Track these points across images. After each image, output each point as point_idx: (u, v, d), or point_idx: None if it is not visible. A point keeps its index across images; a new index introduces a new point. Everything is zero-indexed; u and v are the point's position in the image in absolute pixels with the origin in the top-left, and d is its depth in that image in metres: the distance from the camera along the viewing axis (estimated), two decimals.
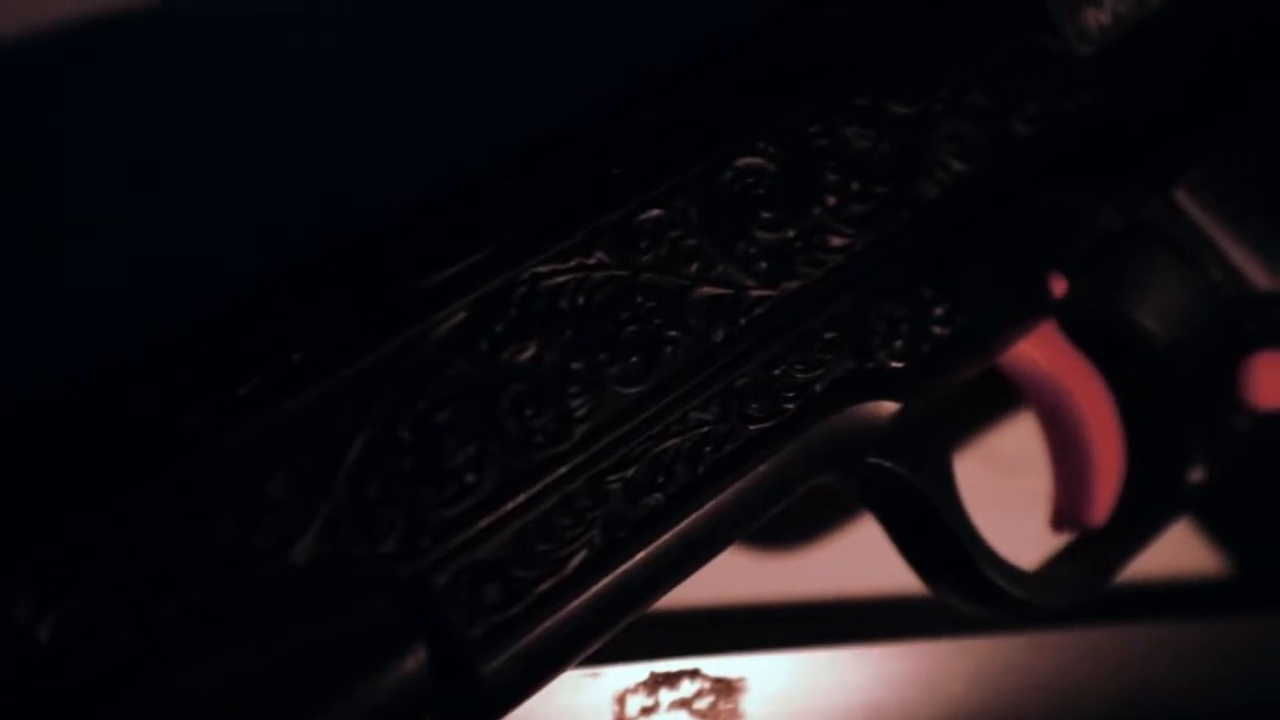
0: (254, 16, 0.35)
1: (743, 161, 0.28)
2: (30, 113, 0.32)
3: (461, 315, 0.25)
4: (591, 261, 0.27)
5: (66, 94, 0.32)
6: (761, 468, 0.28)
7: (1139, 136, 0.33)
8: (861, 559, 0.37)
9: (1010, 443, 0.40)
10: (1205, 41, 0.34)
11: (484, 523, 0.25)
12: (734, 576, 0.37)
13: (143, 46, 0.33)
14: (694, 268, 0.27)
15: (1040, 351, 0.33)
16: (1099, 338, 0.34)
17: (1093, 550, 0.33)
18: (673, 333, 0.27)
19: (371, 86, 0.35)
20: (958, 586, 0.31)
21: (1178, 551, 0.41)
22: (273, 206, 0.34)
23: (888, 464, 0.30)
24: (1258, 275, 0.34)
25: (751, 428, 0.28)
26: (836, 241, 0.29)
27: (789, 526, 0.38)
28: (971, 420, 0.40)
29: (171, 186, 0.33)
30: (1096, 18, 0.33)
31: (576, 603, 0.25)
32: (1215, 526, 0.42)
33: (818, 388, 0.28)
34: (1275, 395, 0.33)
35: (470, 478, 0.25)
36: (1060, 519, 0.34)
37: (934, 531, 0.31)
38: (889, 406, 0.29)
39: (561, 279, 0.26)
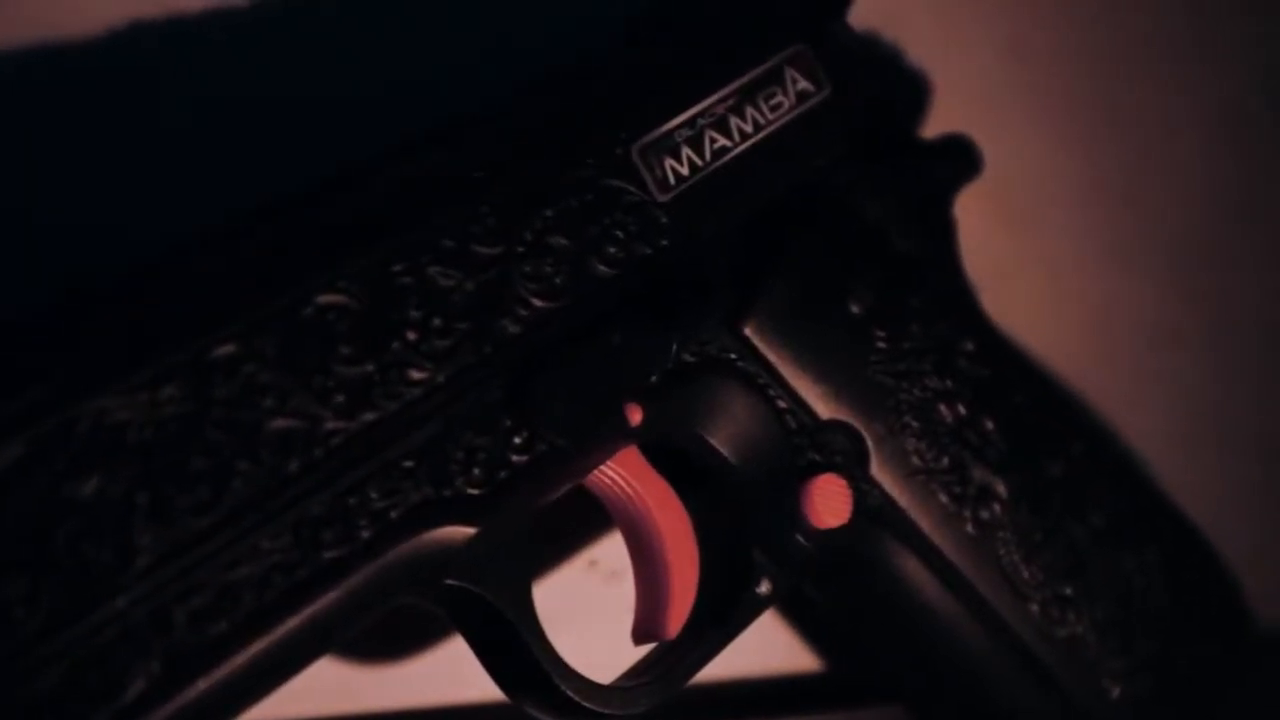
0: None
1: (324, 299, 0.30)
2: None
3: (19, 451, 0.26)
4: (161, 397, 0.27)
5: None
6: (334, 593, 0.29)
7: (710, 276, 0.36)
8: (455, 669, 0.39)
9: (614, 552, 0.42)
10: (768, 192, 0.37)
11: (36, 656, 0.25)
12: (330, 689, 0.37)
13: None
14: (268, 401, 0.28)
15: (622, 474, 0.35)
16: (677, 462, 0.36)
17: (667, 660, 0.35)
18: (244, 465, 0.28)
19: None
20: (536, 699, 0.33)
21: (768, 651, 0.45)
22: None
23: (466, 585, 0.31)
24: (819, 405, 0.37)
25: (325, 555, 0.29)
26: (416, 375, 0.31)
27: (389, 638, 0.39)
28: (577, 529, 0.42)
29: None
30: (674, 168, 0.35)
31: None
32: (802, 627, 0.45)
33: (393, 515, 0.30)
34: (831, 516, 0.36)
35: (21, 612, 0.25)
36: (639, 632, 0.36)
37: (512, 648, 0.32)
38: (466, 531, 0.31)
39: (129, 414, 0.27)
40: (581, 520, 0.42)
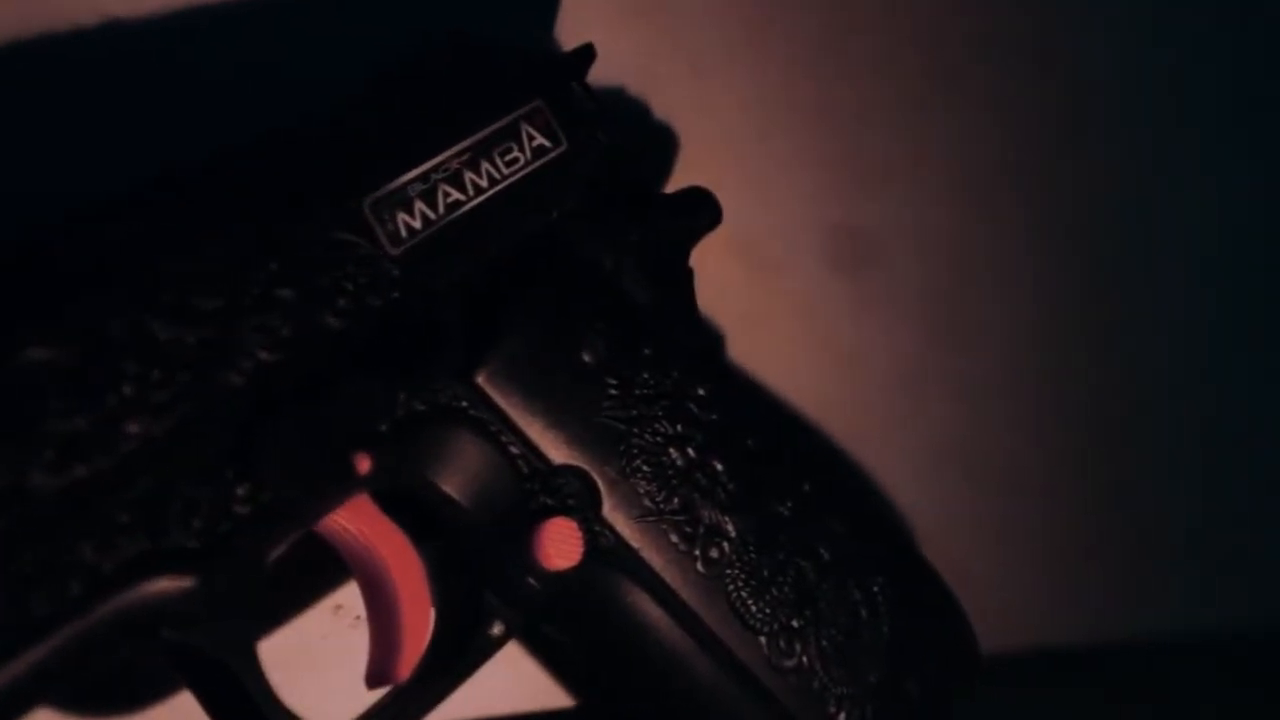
0: None
1: (34, 353, 0.30)
2: None
3: None
4: None
5: None
6: (40, 651, 0.29)
7: (443, 327, 0.37)
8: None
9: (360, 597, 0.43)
10: (502, 244, 0.38)
11: None
12: None
13: None
14: None
15: (353, 522, 0.36)
16: (410, 508, 0.37)
17: (398, 704, 0.36)
18: None
19: None
20: None
21: (517, 688, 0.46)
22: None
23: (185, 637, 0.32)
24: (551, 451, 0.38)
25: (32, 612, 0.29)
26: (133, 429, 0.31)
27: (119, 688, 0.39)
28: (322, 574, 0.43)
29: None
30: (406, 221, 0.36)
31: None
32: (550, 664, 0.46)
33: (106, 569, 0.30)
34: (562, 558, 0.38)
35: None
36: (373, 675, 0.37)
37: (236, 698, 0.33)
38: (184, 583, 0.31)
39: None
40: (327, 565, 0.42)
